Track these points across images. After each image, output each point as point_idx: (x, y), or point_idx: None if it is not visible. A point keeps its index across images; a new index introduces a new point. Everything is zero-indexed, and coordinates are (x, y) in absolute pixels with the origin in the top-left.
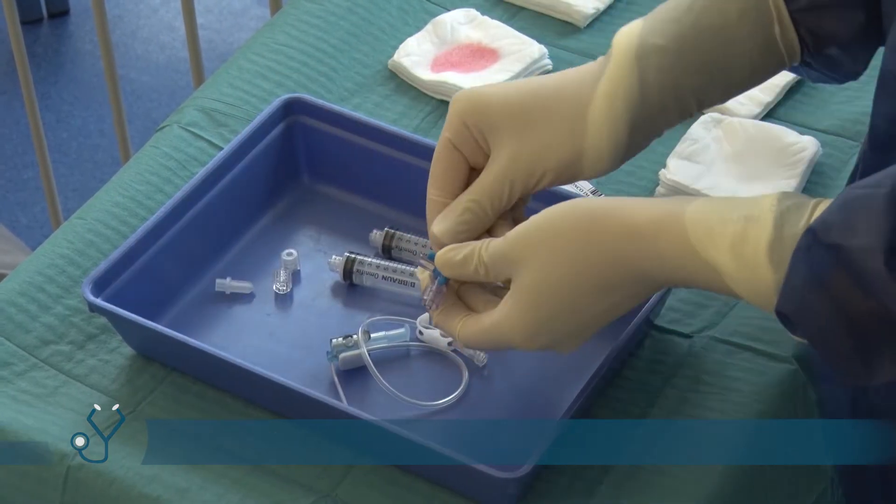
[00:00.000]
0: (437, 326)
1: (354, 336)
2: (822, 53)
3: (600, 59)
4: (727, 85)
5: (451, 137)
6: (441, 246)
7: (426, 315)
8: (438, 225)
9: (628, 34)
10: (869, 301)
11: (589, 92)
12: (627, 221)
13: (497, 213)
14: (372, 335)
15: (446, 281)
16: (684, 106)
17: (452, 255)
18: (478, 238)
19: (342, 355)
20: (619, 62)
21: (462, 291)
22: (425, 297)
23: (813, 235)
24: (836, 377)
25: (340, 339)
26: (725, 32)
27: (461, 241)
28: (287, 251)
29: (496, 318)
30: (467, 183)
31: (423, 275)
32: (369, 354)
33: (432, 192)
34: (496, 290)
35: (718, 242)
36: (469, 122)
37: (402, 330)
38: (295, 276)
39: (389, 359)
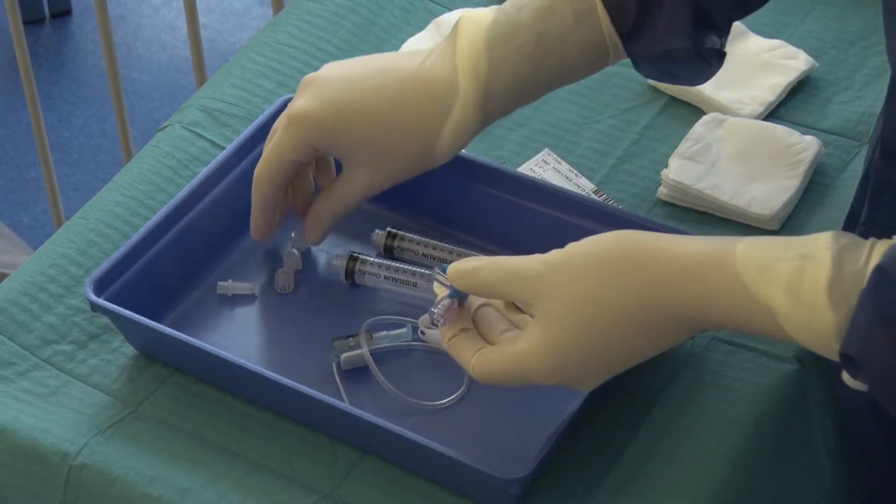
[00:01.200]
0: (449, 353)
1: (356, 336)
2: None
3: (446, 70)
4: (549, 85)
5: (298, 158)
6: None
7: (427, 315)
8: (313, 234)
9: (475, 70)
10: None
11: (437, 121)
12: (675, 257)
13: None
14: (374, 335)
15: (455, 294)
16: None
17: (463, 265)
18: None
19: (344, 355)
20: (465, 107)
21: (478, 319)
22: (434, 310)
23: (882, 273)
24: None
25: (342, 339)
26: (564, 72)
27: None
28: (289, 251)
29: (521, 349)
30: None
31: (438, 289)
32: (371, 354)
33: (269, 191)
34: (516, 321)
35: (773, 281)
36: (320, 147)
37: (403, 330)
38: (297, 276)
39: (391, 358)
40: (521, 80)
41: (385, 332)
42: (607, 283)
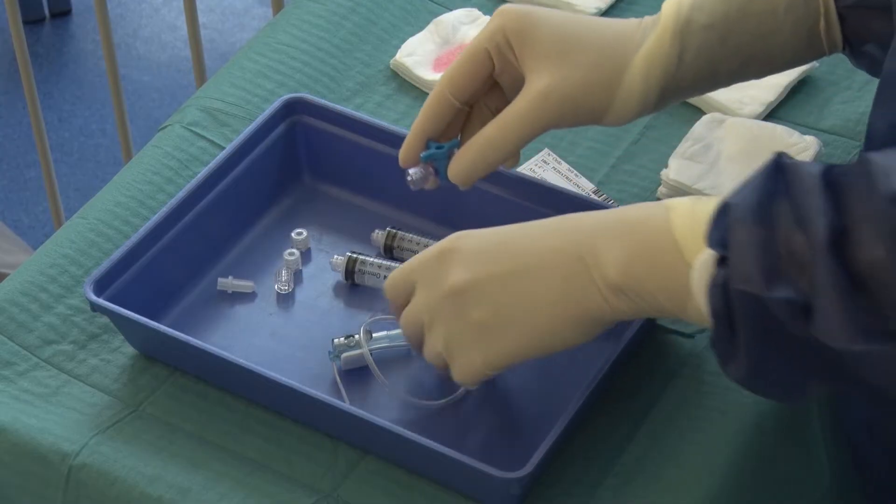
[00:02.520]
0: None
1: (356, 336)
2: (862, 51)
3: (648, 18)
4: (762, 69)
5: (489, 47)
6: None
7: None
8: (461, 166)
9: (678, 4)
10: (795, 233)
11: (631, 50)
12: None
13: (518, 149)
14: (374, 335)
15: (430, 158)
16: (716, 83)
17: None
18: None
19: (344, 355)
20: (663, 34)
21: None
22: (411, 172)
23: (779, 156)
24: (721, 293)
25: (342, 339)
26: (770, 22)
27: (472, 182)
28: (289, 251)
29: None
30: (481, 93)
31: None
32: (371, 354)
33: (446, 89)
34: None
35: (680, 200)
36: (512, 39)
37: None
38: (297, 276)
39: (391, 358)
40: (724, 21)
41: (385, 332)
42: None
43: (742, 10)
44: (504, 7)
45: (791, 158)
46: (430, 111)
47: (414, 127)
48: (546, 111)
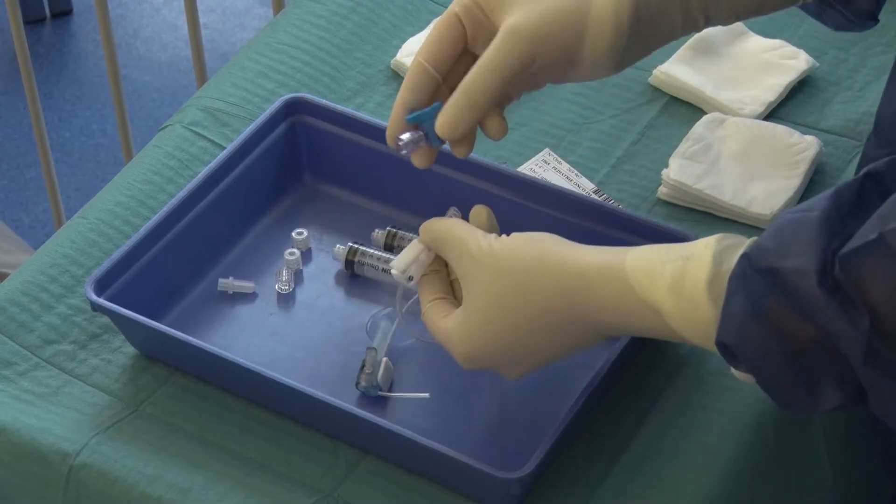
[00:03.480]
0: (418, 289)
1: (366, 360)
2: None
3: None
4: (734, 7)
5: (459, 12)
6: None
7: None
8: (447, 116)
9: None
10: (806, 326)
11: None
12: (574, 265)
13: (500, 91)
14: (374, 341)
15: (419, 120)
16: (689, 18)
17: (436, 221)
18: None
19: (380, 375)
20: None
21: (425, 281)
22: (402, 137)
23: (747, 261)
24: (782, 407)
25: (362, 375)
26: None
27: (461, 133)
28: (289, 251)
29: (448, 327)
30: (456, 60)
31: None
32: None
33: (423, 59)
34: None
35: (658, 283)
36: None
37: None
38: (297, 276)
39: (392, 358)
40: None
41: (380, 333)
42: (519, 286)
43: None
44: None
45: (761, 261)
46: (409, 83)
47: (396, 103)
48: (520, 45)
